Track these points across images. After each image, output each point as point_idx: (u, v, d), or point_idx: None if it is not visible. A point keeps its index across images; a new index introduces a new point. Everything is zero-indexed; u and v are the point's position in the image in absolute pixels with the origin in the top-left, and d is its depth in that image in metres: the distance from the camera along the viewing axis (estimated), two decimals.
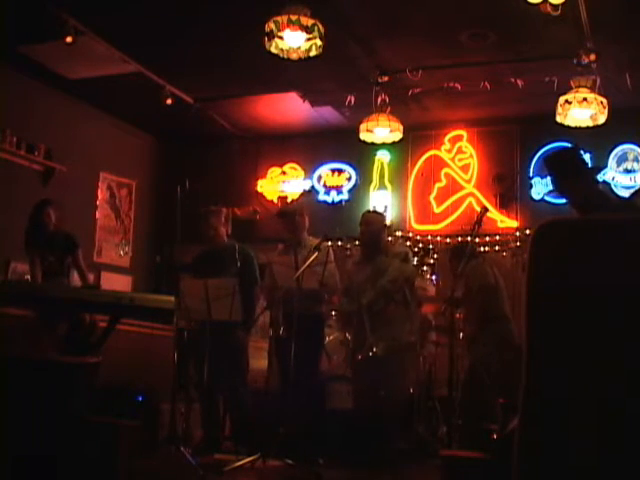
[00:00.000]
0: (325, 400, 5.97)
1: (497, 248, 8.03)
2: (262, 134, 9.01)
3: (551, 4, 5.01)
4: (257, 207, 9.10)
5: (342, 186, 8.84)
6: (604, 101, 6.20)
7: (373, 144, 7.32)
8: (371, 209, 7.92)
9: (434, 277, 7.72)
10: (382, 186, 8.69)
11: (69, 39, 6.12)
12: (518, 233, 7.98)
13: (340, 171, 8.90)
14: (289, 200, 8.96)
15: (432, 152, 8.57)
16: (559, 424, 1.49)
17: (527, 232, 7.79)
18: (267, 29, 4.98)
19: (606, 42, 6.23)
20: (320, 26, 4.95)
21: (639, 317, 1.46)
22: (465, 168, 8.42)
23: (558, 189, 4.07)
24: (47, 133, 7.82)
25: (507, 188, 8.16)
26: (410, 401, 5.90)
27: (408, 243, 8.23)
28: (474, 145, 8.44)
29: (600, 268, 1.50)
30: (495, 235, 8.05)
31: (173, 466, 4.70)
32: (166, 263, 7.54)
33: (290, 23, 4.89)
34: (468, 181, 8.39)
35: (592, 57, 6.27)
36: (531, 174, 8.10)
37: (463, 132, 8.48)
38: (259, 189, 9.18)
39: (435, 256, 8.03)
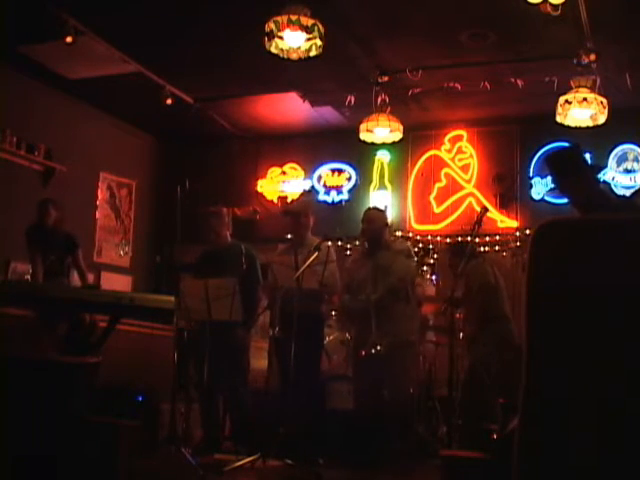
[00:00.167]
0: (325, 400, 5.98)
1: (497, 248, 8.04)
2: (262, 134, 9.01)
3: (551, 4, 5.01)
4: (257, 207, 9.10)
5: (342, 186, 8.84)
6: (604, 101, 6.20)
7: (373, 144, 7.32)
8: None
9: (434, 277, 7.71)
10: (382, 186, 8.69)
11: (69, 39, 6.12)
12: (518, 233, 7.98)
13: (340, 171, 8.90)
14: (289, 200, 8.96)
15: (432, 152, 8.58)
16: (559, 424, 1.49)
17: (527, 232, 7.79)
18: (267, 29, 4.98)
19: (606, 42, 6.23)
20: (320, 26, 4.95)
21: (639, 317, 1.46)
22: (465, 168, 8.43)
23: (559, 188, 4.06)
24: (47, 133, 7.82)
25: (507, 188, 8.16)
26: (410, 401, 5.90)
27: (408, 243, 8.23)
28: (474, 145, 8.44)
29: (600, 268, 1.50)
30: (495, 235, 8.05)
31: (173, 466, 4.70)
32: (166, 263, 7.55)
33: (290, 23, 4.89)
34: (468, 181, 8.39)
35: (592, 57, 6.27)
36: (531, 174, 8.10)
37: (463, 132, 8.48)
38: (259, 189, 9.18)
39: (435, 256, 8.02)
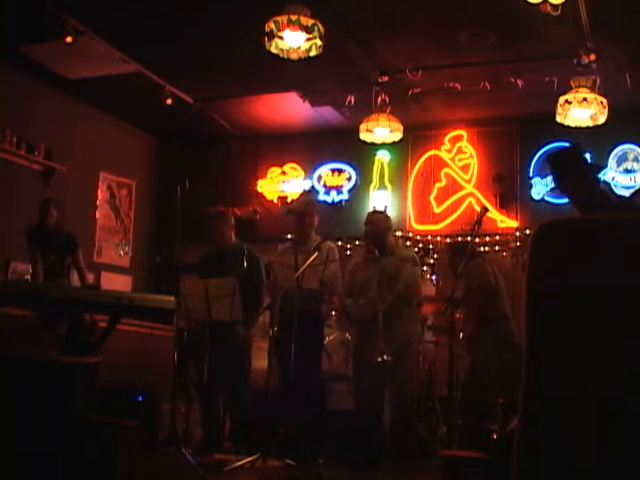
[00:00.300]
0: (325, 400, 5.97)
1: (497, 248, 8.04)
2: (262, 134, 9.01)
3: (551, 4, 5.01)
4: (257, 207, 9.10)
5: (342, 186, 8.84)
6: (604, 101, 6.20)
7: (373, 144, 7.32)
8: (373, 209, 7.91)
9: (434, 277, 7.72)
10: (382, 186, 8.69)
11: (69, 39, 6.12)
12: (518, 233, 7.98)
13: (340, 171, 8.90)
14: (289, 200, 8.95)
15: (432, 152, 8.57)
16: (559, 424, 1.49)
17: (527, 232, 7.79)
18: (267, 29, 4.98)
19: (606, 42, 6.23)
20: (320, 26, 4.95)
21: (639, 317, 1.46)
22: (465, 168, 8.42)
23: (560, 188, 4.06)
24: (47, 133, 7.82)
25: (507, 188, 8.16)
26: (410, 401, 5.89)
27: (408, 243, 8.24)
28: (474, 145, 8.44)
29: (600, 268, 1.50)
30: (495, 235, 8.05)
31: (173, 466, 4.70)
32: (166, 263, 7.55)
33: (290, 23, 4.89)
34: (468, 181, 8.39)
35: (592, 57, 6.27)
36: (531, 174, 8.10)
37: (463, 132, 8.48)
38: (259, 189, 9.18)
39: (435, 256, 8.03)
